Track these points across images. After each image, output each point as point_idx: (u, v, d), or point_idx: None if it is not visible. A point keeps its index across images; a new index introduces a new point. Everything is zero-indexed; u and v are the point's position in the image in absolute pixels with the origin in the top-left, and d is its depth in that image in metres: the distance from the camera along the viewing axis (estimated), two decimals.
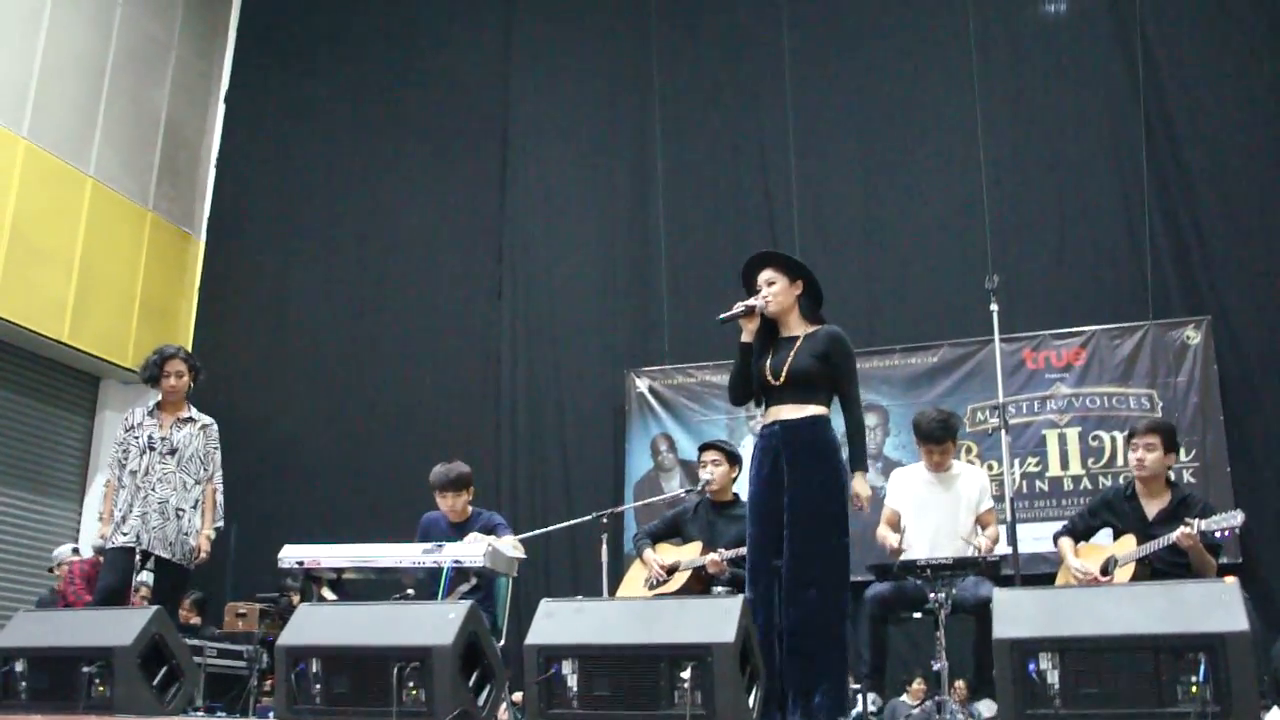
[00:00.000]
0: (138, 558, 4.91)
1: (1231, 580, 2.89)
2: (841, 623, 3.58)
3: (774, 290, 3.80)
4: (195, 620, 7.29)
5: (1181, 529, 3.98)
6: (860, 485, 3.63)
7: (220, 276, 9.90)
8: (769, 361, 3.77)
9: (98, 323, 9.01)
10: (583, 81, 9.26)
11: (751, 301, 3.80)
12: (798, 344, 3.76)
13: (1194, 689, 2.65)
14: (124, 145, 9.42)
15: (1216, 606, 2.74)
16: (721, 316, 3.84)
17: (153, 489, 4.99)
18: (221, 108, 10.41)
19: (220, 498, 5.21)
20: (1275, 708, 3.78)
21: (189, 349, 5.85)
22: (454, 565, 4.06)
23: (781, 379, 3.71)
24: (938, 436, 4.65)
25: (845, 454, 3.74)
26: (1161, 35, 7.68)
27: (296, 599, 6.40)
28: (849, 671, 3.61)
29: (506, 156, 9.28)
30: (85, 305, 8.88)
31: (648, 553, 5.09)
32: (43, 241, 8.56)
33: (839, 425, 3.75)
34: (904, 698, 6.80)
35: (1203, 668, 2.64)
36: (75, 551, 7.39)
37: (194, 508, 5.07)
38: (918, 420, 4.80)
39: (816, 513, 3.59)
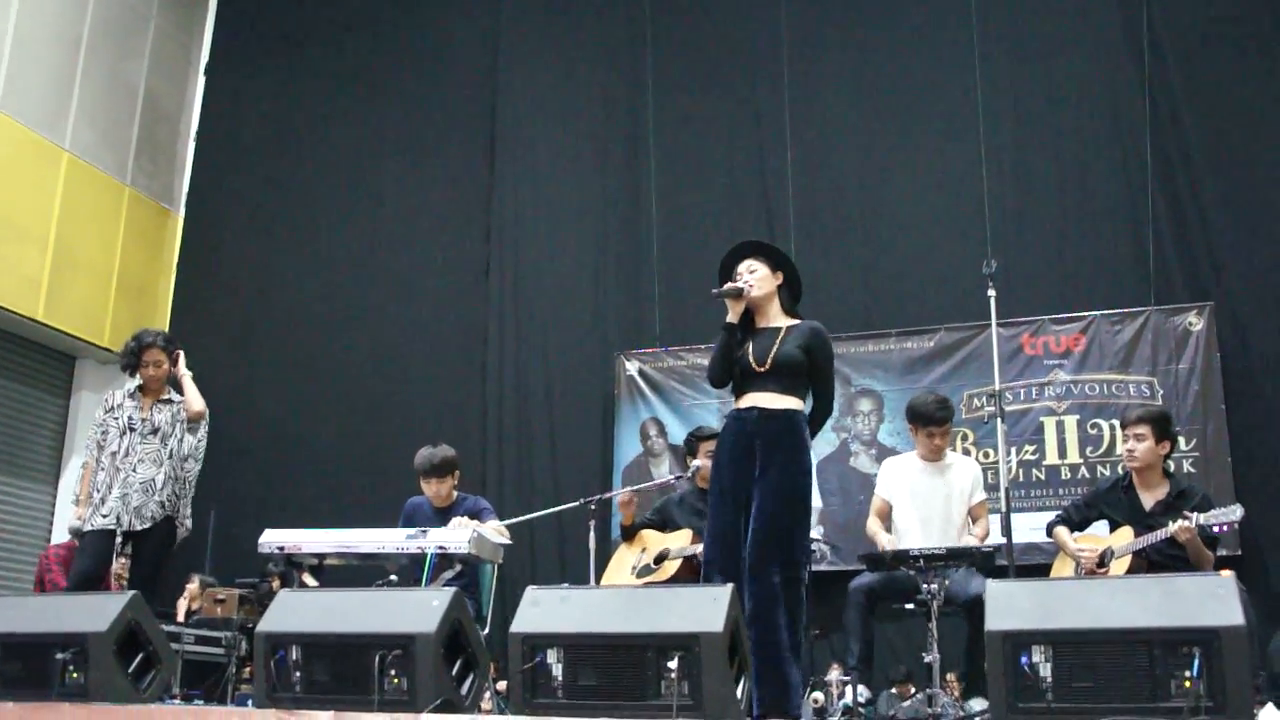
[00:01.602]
0: (117, 540, 4.83)
1: (1228, 573, 2.86)
2: (797, 616, 3.55)
3: (756, 276, 3.81)
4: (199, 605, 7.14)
5: (1180, 522, 3.95)
6: None
7: (200, 253, 9.76)
8: (751, 348, 3.76)
9: (74, 301, 8.87)
10: (575, 56, 9.14)
11: (739, 284, 3.79)
12: (781, 334, 3.76)
13: (1188, 683, 2.61)
14: (101, 118, 9.25)
15: (1212, 600, 2.71)
16: (716, 290, 3.81)
17: (134, 470, 4.90)
18: (202, 80, 10.24)
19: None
20: (1270, 704, 3.76)
21: (167, 329, 5.74)
22: (438, 551, 3.99)
23: (766, 366, 3.70)
24: (938, 418, 4.58)
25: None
26: (1166, 17, 7.60)
27: (277, 585, 6.34)
28: (799, 665, 3.57)
29: (495, 133, 9.15)
30: (61, 283, 8.73)
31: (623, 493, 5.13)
32: (17, 217, 8.40)
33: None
34: (893, 690, 6.78)
35: (1197, 662, 2.61)
36: None
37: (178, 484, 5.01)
38: (915, 405, 4.74)
39: (781, 505, 3.59)
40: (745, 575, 3.54)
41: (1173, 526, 3.97)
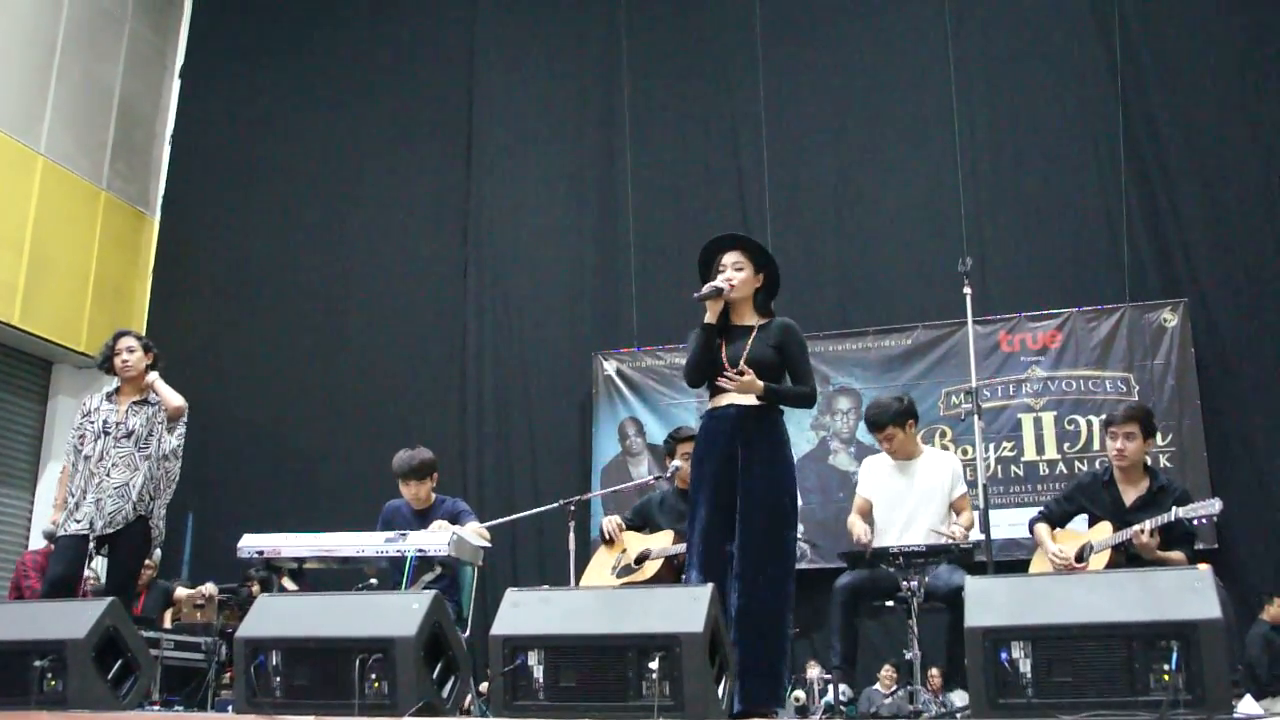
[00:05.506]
0: (91, 545, 4.78)
1: (1205, 567, 2.87)
2: (785, 614, 3.57)
3: (741, 276, 3.77)
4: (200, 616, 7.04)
5: (1134, 530, 3.96)
6: (750, 379, 3.59)
7: (176, 257, 9.71)
8: (724, 349, 3.75)
9: (50, 306, 8.80)
10: (550, 58, 9.14)
11: (719, 283, 3.76)
12: (753, 334, 3.75)
13: (1167, 676, 2.62)
14: (76, 122, 9.18)
15: (1189, 594, 2.73)
16: (697, 295, 3.78)
17: (107, 474, 4.84)
18: (177, 83, 10.16)
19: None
20: (1248, 695, 3.79)
21: (144, 332, 5.70)
22: (418, 554, 3.97)
23: (739, 370, 3.68)
24: (876, 422, 4.60)
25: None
26: (1139, 16, 7.69)
27: (256, 589, 6.29)
28: (790, 661, 3.59)
29: (472, 134, 9.14)
30: (37, 288, 8.66)
31: (606, 522, 5.05)
32: None
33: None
34: (876, 686, 6.82)
35: (1175, 655, 2.62)
36: None
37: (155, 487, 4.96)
38: (867, 408, 4.77)
39: (769, 505, 3.60)
40: (738, 578, 3.54)
41: (1129, 531, 3.98)
